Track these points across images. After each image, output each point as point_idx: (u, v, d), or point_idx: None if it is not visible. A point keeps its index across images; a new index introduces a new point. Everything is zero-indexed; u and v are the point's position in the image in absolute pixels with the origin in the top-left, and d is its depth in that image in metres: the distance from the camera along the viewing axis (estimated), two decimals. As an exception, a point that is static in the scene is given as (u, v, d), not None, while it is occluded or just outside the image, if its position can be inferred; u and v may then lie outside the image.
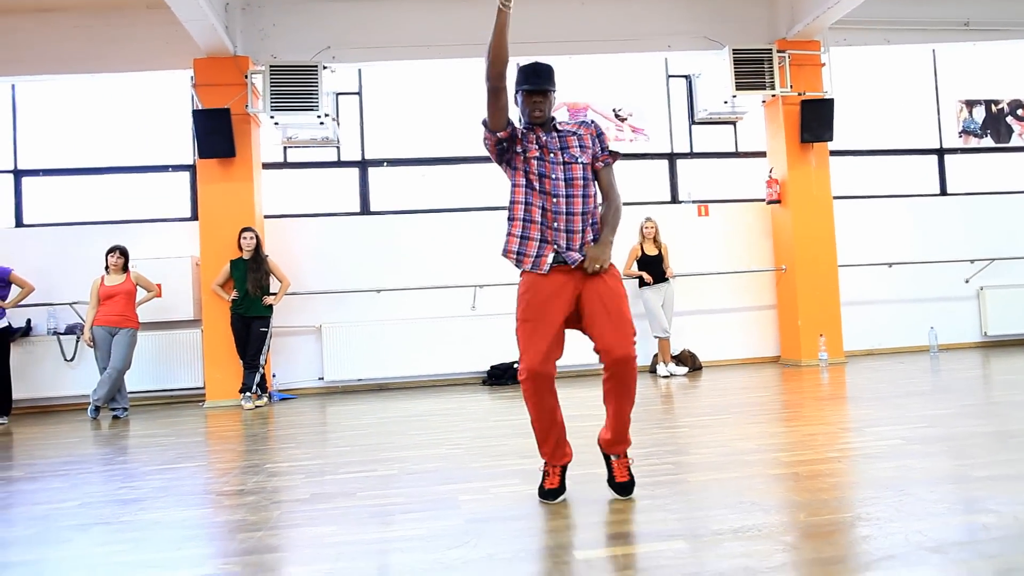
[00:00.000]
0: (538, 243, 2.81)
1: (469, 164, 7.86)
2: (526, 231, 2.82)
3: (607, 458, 2.85)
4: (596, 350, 2.76)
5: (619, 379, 2.73)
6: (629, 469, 2.82)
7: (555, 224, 2.80)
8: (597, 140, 2.92)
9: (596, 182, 2.92)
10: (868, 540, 2.11)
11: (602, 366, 2.77)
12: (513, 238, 2.83)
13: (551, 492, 2.78)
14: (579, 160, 2.84)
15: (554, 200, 2.80)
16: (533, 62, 2.87)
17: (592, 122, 2.97)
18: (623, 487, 2.78)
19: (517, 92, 2.87)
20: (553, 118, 2.90)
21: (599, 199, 2.96)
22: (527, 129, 2.88)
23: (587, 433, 4.09)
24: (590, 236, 2.84)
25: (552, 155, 2.83)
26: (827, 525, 2.26)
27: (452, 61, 7.48)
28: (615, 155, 2.96)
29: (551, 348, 2.72)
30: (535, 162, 2.82)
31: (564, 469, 2.84)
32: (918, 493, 2.53)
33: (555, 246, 2.79)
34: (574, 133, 2.88)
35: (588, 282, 2.79)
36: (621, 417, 2.79)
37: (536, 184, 2.82)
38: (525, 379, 2.70)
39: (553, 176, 2.80)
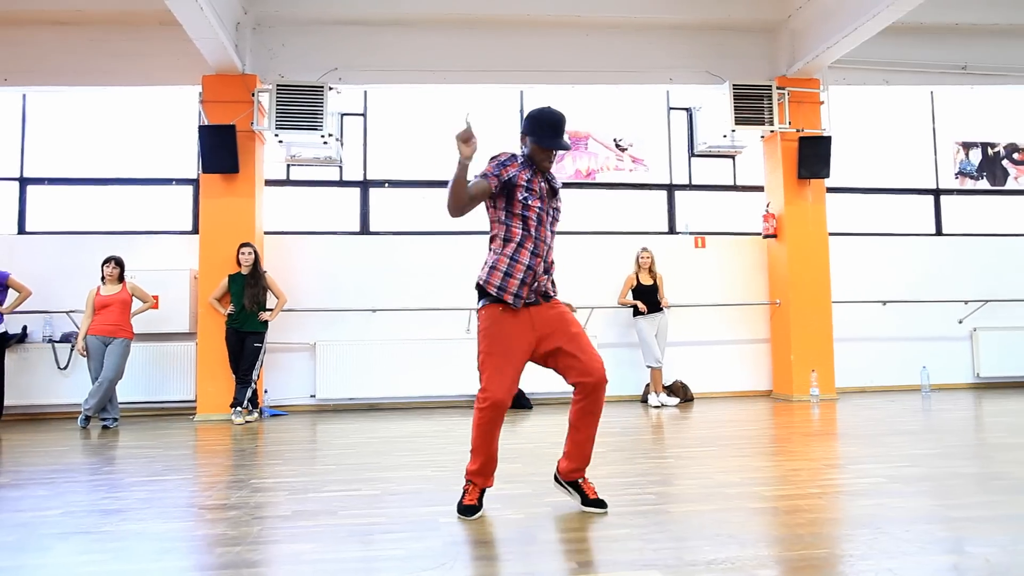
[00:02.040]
0: (519, 283, 2.92)
1: (469, 188, 7.94)
2: (512, 270, 2.92)
3: (574, 484, 3.04)
4: (574, 374, 2.92)
5: (595, 401, 2.94)
6: (595, 488, 3.08)
7: (539, 268, 2.95)
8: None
9: None
10: (839, 577, 2.13)
11: (573, 391, 2.97)
12: (497, 273, 2.93)
13: (470, 508, 2.92)
14: (559, 217, 3.09)
15: (545, 247, 2.98)
16: (554, 113, 2.92)
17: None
18: (599, 502, 2.98)
19: (530, 136, 2.94)
20: None
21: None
22: (532, 174, 2.95)
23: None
24: (553, 272, 3.07)
25: (547, 205, 3.00)
26: (800, 560, 2.27)
27: (456, 86, 7.61)
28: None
29: (514, 381, 2.90)
30: (536, 210, 2.94)
31: (483, 492, 3.02)
32: (893, 532, 2.55)
33: (532, 287, 2.94)
34: (558, 190, 3.08)
35: (548, 315, 2.97)
36: (588, 442, 3.01)
37: (533, 231, 2.94)
38: (487, 407, 2.86)
39: (547, 225, 2.99)
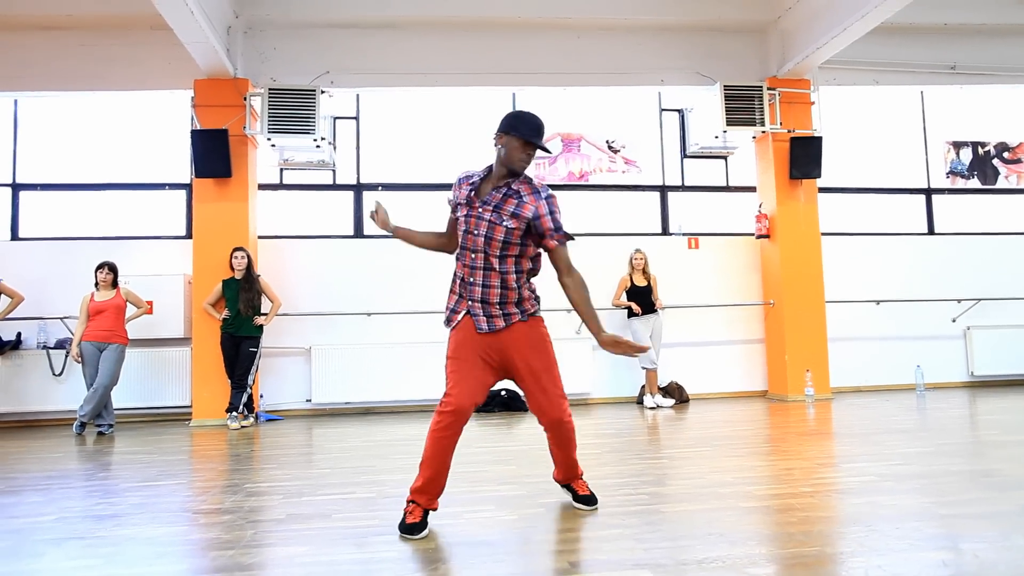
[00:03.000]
0: (458, 298, 2.83)
1: (463, 191, 7.96)
2: (453, 286, 2.87)
3: (567, 486, 3.11)
4: (533, 409, 2.89)
5: (558, 436, 2.95)
6: (588, 486, 3.08)
7: (471, 280, 2.75)
8: (545, 217, 2.70)
9: (551, 261, 2.81)
10: (829, 574, 2.14)
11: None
12: (450, 295, 2.89)
13: (414, 526, 2.65)
14: (504, 223, 2.69)
15: (472, 256, 2.74)
16: (535, 115, 2.75)
17: (549, 195, 2.75)
18: (587, 499, 3.03)
19: (509, 133, 2.70)
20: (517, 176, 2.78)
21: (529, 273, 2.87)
22: (473, 182, 2.80)
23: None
24: (513, 310, 2.76)
25: (481, 209, 2.72)
26: (791, 558, 2.29)
27: (449, 89, 7.63)
28: (567, 236, 2.79)
29: (474, 389, 2.71)
30: (463, 217, 2.76)
31: (427, 512, 2.74)
32: (883, 529, 2.57)
33: (468, 302, 2.79)
34: (518, 195, 2.72)
35: (512, 342, 2.78)
36: (567, 461, 3.03)
37: (460, 239, 2.79)
38: (447, 412, 2.66)
39: (475, 232, 2.72)
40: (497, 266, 2.73)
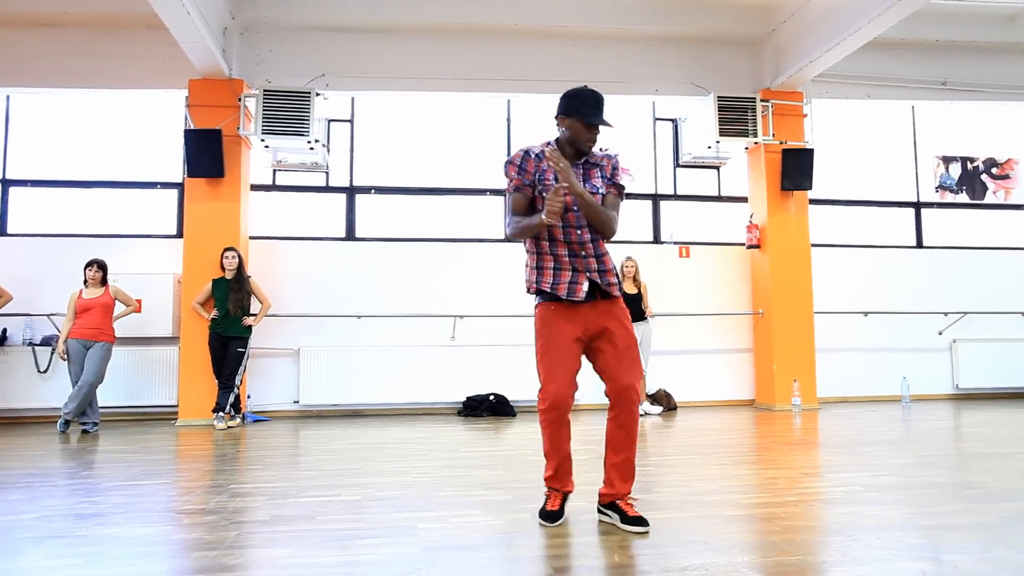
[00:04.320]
0: (571, 272, 2.83)
1: (455, 195, 7.98)
2: (558, 264, 2.84)
3: (611, 505, 2.86)
4: (604, 378, 2.86)
5: (620, 415, 2.81)
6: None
7: (583, 253, 2.82)
8: (614, 172, 2.93)
9: None
10: (811, 583, 2.16)
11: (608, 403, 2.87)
12: (545, 271, 2.85)
13: (552, 514, 2.86)
14: (599, 191, 2.87)
15: (578, 232, 2.82)
16: (594, 91, 2.81)
17: (615, 154, 2.97)
18: (639, 520, 2.75)
19: (570, 116, 2.79)
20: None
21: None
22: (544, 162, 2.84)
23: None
24: (609, 267, 2.87)
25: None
26: (773, 567, 2.30)
27: (444, 94, 7.63)
28: (619, 188, 2.94)
29: (569, 378, 2.80)
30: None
31: (566, 497, 2.94)
32: (865, 539, 2.58)
33: (587, 274, 2.82)
34: (597, 165, 2.91)
35: (600, 312, 2.85)
36: (629, 463, 2.85)
37: (561, 223, 2.79)
38: (547, 407, 2.79)
39: (574, 209, 2.78)
40: (589, 235, 2.86)
